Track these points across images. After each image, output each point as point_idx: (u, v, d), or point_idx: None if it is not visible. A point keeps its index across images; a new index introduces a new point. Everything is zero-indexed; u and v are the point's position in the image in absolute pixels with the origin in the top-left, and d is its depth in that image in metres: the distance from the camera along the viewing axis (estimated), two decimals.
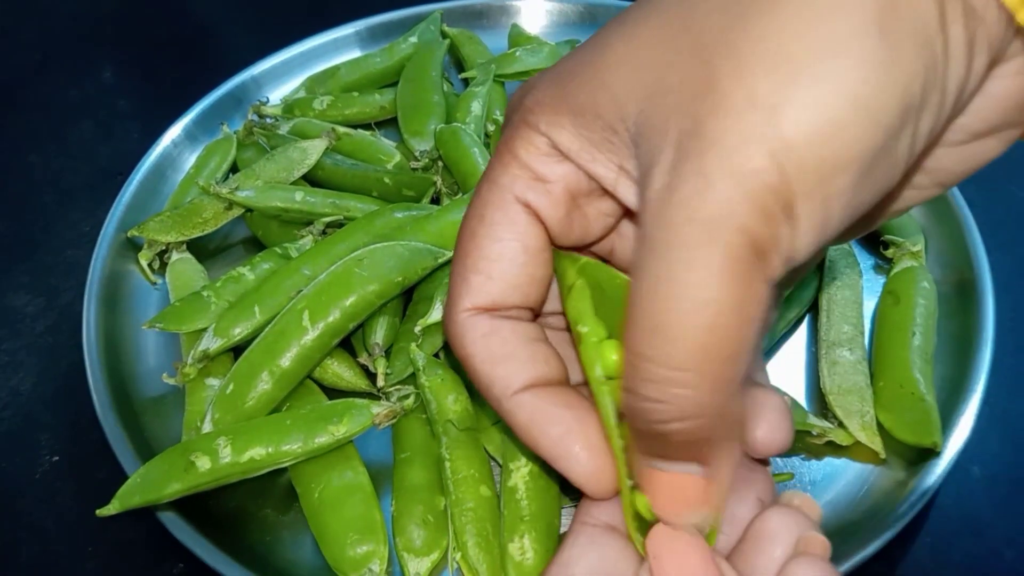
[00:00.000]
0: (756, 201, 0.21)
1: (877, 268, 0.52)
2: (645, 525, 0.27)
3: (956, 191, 0.52)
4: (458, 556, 0.39)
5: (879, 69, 0.21)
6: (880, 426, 0.43)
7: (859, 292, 0.49)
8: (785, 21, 0.21)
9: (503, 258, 0.28)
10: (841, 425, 0.44)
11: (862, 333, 0.47)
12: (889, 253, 0.51)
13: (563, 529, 0.40)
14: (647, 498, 0.27)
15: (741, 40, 0.22)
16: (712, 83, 0.22)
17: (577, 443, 0.28)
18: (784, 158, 0.21)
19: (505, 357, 0.28)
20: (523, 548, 0.37)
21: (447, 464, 0.41)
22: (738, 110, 0.21)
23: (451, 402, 0.42)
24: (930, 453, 0.41)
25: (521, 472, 0.39)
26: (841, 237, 0.27)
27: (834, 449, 0.44)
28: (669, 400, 0.23)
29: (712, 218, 0.22)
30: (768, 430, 0.27)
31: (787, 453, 0.44)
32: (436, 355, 0.46)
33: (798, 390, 0.47)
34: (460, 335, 0.28)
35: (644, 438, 0.26)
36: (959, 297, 0.48)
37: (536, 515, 0.38)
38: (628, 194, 0.26)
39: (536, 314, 0.30)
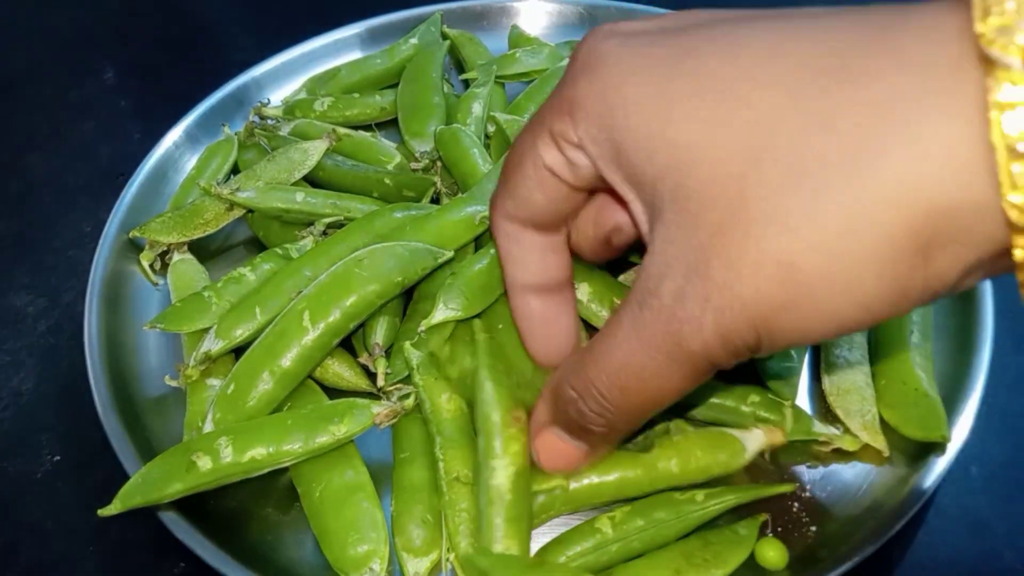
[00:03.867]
0: (727, 342, 0.27)
1: None
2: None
3: None
4: (451, 557, 0.39)
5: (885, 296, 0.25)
6: (885, 424, 0.43)
7: None
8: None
9: (525, 184, 0.34)
10: (846, 429, 0.43)
11: (862, 332, 0.47)
12: None
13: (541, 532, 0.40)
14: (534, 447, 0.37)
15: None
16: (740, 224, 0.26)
17: (537, 334, 0.39)
18: (758, 322, 0.26)
19: (516, 259, 0.37)
20: (506, 549, 0.37)
21: (440, 464, 0.40)
22: (741, 258, 0.25)
23: (445, 401, 0.42)
24: (930, 451, 0.41)
25: (497, 473, 0.39)
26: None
27: (841, 456, 0.43)
28: (598, 416, 0.32)
29: (685, 341, 0.27)
30: None
31: (793, 462, 0.43)
32: (433, 354, 0.46)
33: (799, 391, 0.46)
34: (495, 233, 0.37)
35: (562, 416, 0.34)
36: (958, 296, 0.48)
37: (513, 516, 0.38)
38: (637, 222, 0.31)
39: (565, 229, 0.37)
